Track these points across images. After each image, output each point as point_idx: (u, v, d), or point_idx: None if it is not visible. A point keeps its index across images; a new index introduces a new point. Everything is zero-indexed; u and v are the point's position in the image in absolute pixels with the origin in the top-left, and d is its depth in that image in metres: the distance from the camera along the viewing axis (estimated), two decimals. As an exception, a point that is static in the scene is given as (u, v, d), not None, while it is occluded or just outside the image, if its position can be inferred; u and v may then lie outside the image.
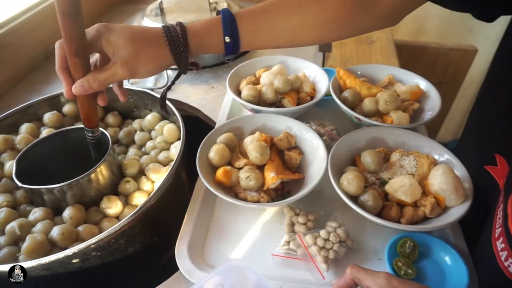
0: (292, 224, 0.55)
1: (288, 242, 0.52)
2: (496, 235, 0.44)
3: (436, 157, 0.58)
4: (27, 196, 0.61)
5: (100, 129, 0.64)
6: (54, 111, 0.73)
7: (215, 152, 0.59)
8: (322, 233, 0.51)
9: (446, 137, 1.75)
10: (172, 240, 0.53)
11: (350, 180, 0.52)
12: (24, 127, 0.70)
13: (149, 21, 0.97)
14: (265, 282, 0.43)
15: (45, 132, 0.69)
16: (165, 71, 0.90)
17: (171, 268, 0.52)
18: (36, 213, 0.57)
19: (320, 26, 0.53)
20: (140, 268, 0.62)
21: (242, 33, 0.52)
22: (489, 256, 0.44)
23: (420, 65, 1.26)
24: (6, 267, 0.46)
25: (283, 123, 0.66)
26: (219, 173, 0.57)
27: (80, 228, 0.55)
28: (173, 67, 0.53)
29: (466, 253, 0.51)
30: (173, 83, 0.60)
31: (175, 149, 0.68)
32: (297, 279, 0.50)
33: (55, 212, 0.58)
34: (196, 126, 0.79)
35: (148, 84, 0.89)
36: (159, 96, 0.72)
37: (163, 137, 0.71)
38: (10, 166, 0.62)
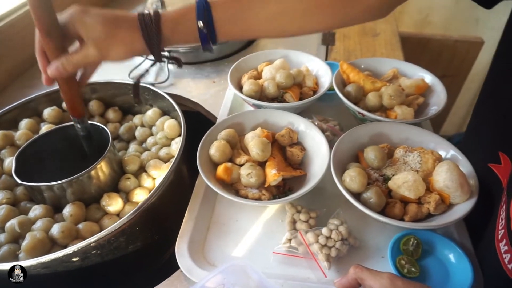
0: (293, 222, 0.54)
1: (290, 240, 0.52)
2: (499, 236, 0.43)
3: (441, 153, 0.56)
4: (27, 193, 0.61)
5: (100, 124, 0.63)
6: (54, 107, 0.73)
7: (216, 149, 0.58)
8: (324, 230, 0.51)
9: (450, 131, 1.73)
10: (173, 238, 0.53)
11: (353, 177, 0.51)
12: (24, 123, 0.69)
13: (149, 14, 0.95)
14: (266, 281, 0.43)
15: (44, 128, 0.69)
16: (166, 66, 0.89)
17: (172, 266, 0.51)
18: (36, 210, 0.56)
19: (301, 13, 0.51)
20: (140, 266, 0.62)
21: (217, 21, 0.50)
22: (493, 258, 0.44)
23: (425, 58, 1.24)
24: (6, 266, 0.46)
25: (285, 119, 0.65)
26: (220, 170, 0.56)
27: (80, 226, 0.55)
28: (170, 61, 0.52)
29: (471, 251, 0.50)
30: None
31: (176, 145, 0.67)
32: (299, 277, 0.49)
33: (55, 209, 0.58)
34: (198, 121, 0.78)
35: (149, 79, 0.88)
36: (160, 91, 0.72)
37: (164, 133, 0.71)
38: (10, 162, 0.62)
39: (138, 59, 0.94)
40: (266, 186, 0.55)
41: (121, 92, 0.77)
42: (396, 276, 0.35)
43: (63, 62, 0.48)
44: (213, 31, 0.51)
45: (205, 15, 0.49)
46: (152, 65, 0.58)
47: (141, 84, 0.74)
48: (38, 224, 0.54)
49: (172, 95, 0.74)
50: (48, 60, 0.49)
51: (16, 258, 0.51)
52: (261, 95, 0.70)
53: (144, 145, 0.73)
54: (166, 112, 0.75)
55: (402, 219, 0.50)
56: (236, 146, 0.62)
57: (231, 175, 0.57)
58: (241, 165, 0.58)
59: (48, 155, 0.64)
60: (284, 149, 0.62)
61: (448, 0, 1.41)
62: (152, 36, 0.49)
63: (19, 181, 0.55)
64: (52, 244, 0.53)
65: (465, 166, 0.53)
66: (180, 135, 0.70)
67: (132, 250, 0.56)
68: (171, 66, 0.93)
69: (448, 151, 0.56)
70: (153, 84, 0.77)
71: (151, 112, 0.74)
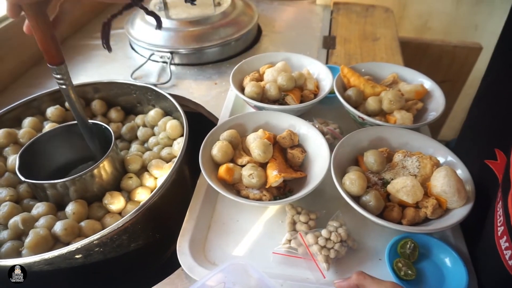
0: (293, 223, 0.55)
1: (289, 241, 0.53)
2: (499, 233, 0.43)
3: (439, 158, 0.57)
4: (30, 190, 0.61)
5: (103, 124, 0.64)
6: (57, 106, 0.73)
7: (218, 149, 0.59)
8: (324, 232, 0.51)
9: (449, 135, 1.74)
10: (175, 237, 0.54)
11: (352, 180, 0.52)
12: (27, 121, 0.70)
13: (152, 15, 0.96)
14: (267, 279, 0.44)
15: (48, 127, 0.70)
16: (168, 67, 0.90)
17: (173, 264, 0.52)
18: (39, 207, 0.57)
19: None
20: (142, 264, 0.63)
21: None
22: (493, 254, 0.44)
23: (425, 63, 1.25)
24: (10, 262, 0.47)
25: (286, 121, 0.66)
26: (222, 170, 0.57)
27: (82, 224, 0.55)
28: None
29: (466, 255, 0.51)
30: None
31: (178, 146, 0.68)
32: (298, 277, 0.50)
33: (58, 207, 0.59)
34: (199, 122, 0.79)
35: (151, 79, 0.89)
36: (162, 92, 0.73)
37: (166, 133, 0.71)
38: (13, 160, 0.63)
39: (140, 60, 0.95)
40: (267, 187, 0.56)
41: (124, 92, 0.77)
42: (399, 286, 0.36)
43: None
44: None
45: None
46: (127, 8, 0.52)
47: (144, 84, 0.75)
48: (41, 221, 0.55)
49: (174, 96, 0.75)
50: None
51: (19, 254, 0.52)
52: (262, 97, 0.71)
53: (146, 145, 0.74)
54: (168, 112, 0.76)
55: (400, 223, 0.51)
56: (238, 147, 0.63)
57: (233, 176, 0.57)
58: (242, 166, 0.59)
59: (51, 154, 0.65)
60: (285, 151, 0.63)
61: (448, 6, 1.42)
62: None
63: (22, 178, 0.55)
64: (55, 241, 0.53)
65: (462, 171, 0.54)
66: (182, 135, 0.70)
67: (134, 248, 0.56)
68: (173, 67, 0.94)
69: (446, 156, 0.57)
70: (155, 85, 0.77)
71: (153, 113, 0.75)
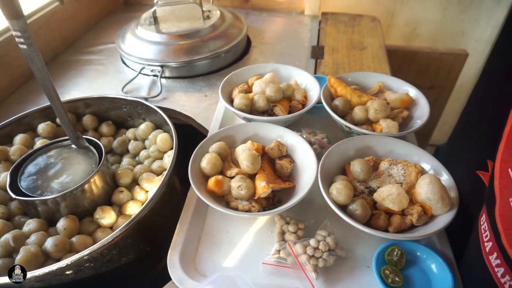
0: (282, 233, 0.56)
1: (279, 251, 0.53)
2: (487, 249, 0.43)
3: (424, 165, 0.59)
4: (21, 207, 0.62)
5: (94, 139, 0.64)
6: (48, 122, 0.74)
7: (207, 162, 0.60)
8: (312, 242, 0.52)
9: (440, 140, 1.76)
10: (166, 250, 0.54)
11: (339, 189, 0.53)
12: (19, 138, 0.70)
13: (143, 30, 0.98)
14: (255, 291, 0.44)
15: (39, 143, 0.70)
16: (159, 80, 0.91)
17: (164, 277, 0.53)
18: (30, 224, 0.57)
19: None
20: (133, 278, 0.63)
21: None
22: (482, 270, 0.44)
23: (412, 70, 1.28)
24: (0, 280, 0.47)
25: (274, 132, 0.67)
26: (211, 182, 0.58)
27: (74, 239, 0.56)
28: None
29: (452, 260, 0.52)
30: None
31: (168, 158, 0.69)
32: (287, 287, 0.51)
33: (49, 223, 0.59)
34: (190, 134, 0.80)
35: (142, 93, 0.90)
36: (152, 105, 0.73)
37: (157, 146, 0.72)
38: (4, 177, 0.63)
39: (131, 74, 0.96)
40: (256, 198, 0.57)
41: (115, 106, 0.78)
42: None
43: None
44: None
45: None
46: None
47: (134, 98, 0.76)
48: (32, 238, 0.55)
49: (164, 109, 0.76)
50: None
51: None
52: (251, 108, 0.72)
53: (137, 158, 0.74)
54: (158, 126, 0.77)
55: (386, 230, 0.52)
56: (227, 158, 0.64)
57: (222, 188, 0.58)
58: (231, 178, 0.60)
59: (42, 170, 0.65)
60: (274, 162, 0.64)
61: (435, 14, 1.45)
62: None
63: (13, 196, 0.56)
64: (45, 257, 0.54)
65: (447, 178, 0.55)
66: (172, 148, 0.71)
67: (125, 263, 0.57)
68: (164, 80, 0.95)
69: (431, 163, 0.59)
70: (146, 99, 0.78)
71: (144, 126, 0.75)
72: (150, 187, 0.65)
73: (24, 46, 0.48)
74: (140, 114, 0.78)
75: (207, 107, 0.86)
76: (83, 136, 0.65)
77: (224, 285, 0.46)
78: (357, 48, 1.06)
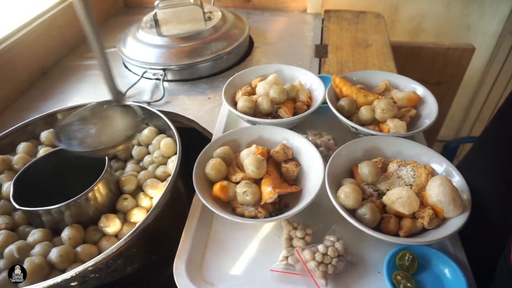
0: (290, 239, 0.55)
1: (287, 257, 0.52)
2: None
3: (434, 166, 0.57)
4: (25, 217, 0.61)
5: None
6: (51, 129, 0.73)
7: (211, 167, 0.59)
8: (320, 247, 0.51)
9: (448, 136, 1.74)
10: (171, 258, 0.53)
11: (347, 193, 0.52)
12: (22, 147, 0.70)
13: (143, 33, 0.97)
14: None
15: (42, 151, 0.69)
16: (161, 84, 0.90)
17: (171, 286, 0.52)
18: (34, 234, 0.57)
19: None
20: (138, 287, 0.62)
21: None
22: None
23: (418, 66, 1.25)
24: (5, 293, 0.46)
25: (279, 135, 0.66)
26: (216, 188, 0.57)
27: (78, 249, 0.55)
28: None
29: (466, 264, 0.50)
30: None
31: (172, 164, 0.68)
32: (297, 295, 0.50)
33: (54, 232, 0.58)
34: (194, 138, 0.79)
35: (145, 97, 0.89)
36: (154, 110, 0.72)
37: (160, 152, 0.71)
38: (8, 187, 0.62)
39: (133, 78, 0.95)
40: (262, 203, 0.56)
41: (117, 111, 0.77)
42: None
43: None
44: None
45: None
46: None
47: (140, 104, 0.75)
48: (37, 249, 0.54)
49: (167, 113, 0.74)
50: None
51: (15, 284, 0.51)
52: (255, 111, 0.71)
53: (141, 164, 0.74)
54: (162, 130, 0.76)
55: (397, 234, 0.51)
56: (232, 163, 0.62)
57: (227, 194, 0.57)
58: (237, 183, 0.58)
59: (46, 178, 0.64)
60: (280, 165, 0.63)
61: (439, 8, 1.43)
62: None
63: (17, 206, 0.55)
64: (50, 268, 0.53)
65: (458, 180, 0.54)
66: (176, 153, 0.70)
67: (131, 272, 0.56)
68: (166, 84, 0.94)
69: (441, 164, 0.57)
70: (149, 103, 0.77)
71: (147, 131, 0.74)
72: (154, 194, 0.64)
73: None
74: (143, 118, 0.77)
75: (211, 109, 0.85)
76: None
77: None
78: (362, 46, 1.04)
